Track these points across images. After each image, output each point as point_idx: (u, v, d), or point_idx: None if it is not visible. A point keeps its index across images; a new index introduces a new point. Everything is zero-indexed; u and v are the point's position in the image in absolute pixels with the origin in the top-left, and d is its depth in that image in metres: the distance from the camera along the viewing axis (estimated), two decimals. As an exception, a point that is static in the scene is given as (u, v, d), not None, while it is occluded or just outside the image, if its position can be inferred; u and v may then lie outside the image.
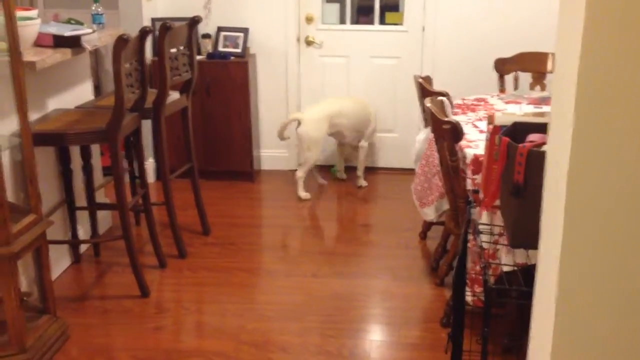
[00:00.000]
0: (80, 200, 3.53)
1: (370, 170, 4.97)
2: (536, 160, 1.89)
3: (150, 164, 4.73)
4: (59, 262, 3.38)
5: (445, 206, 3.10)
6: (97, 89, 5.19)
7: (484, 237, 2.32)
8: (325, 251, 3.74)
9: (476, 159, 2.66)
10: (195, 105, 4.51)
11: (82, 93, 3.64)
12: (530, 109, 3.35)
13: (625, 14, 1.13)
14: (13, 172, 2.82)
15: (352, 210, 4.33)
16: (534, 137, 2.07)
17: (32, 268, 2.82)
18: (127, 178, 3.72)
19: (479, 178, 2.59)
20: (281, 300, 3.18)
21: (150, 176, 4.70)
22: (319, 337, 2.85)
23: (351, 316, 3.02)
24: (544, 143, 1.96)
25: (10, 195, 2.60)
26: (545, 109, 3.22)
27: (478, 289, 2.58)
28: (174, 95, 3.57)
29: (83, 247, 3.63)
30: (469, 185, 2.70)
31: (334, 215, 4.29)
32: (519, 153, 1.97)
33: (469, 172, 2.71)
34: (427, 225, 3.80)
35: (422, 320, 3.00)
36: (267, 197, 4.58)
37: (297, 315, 3.03)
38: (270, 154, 5.06)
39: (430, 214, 3.21)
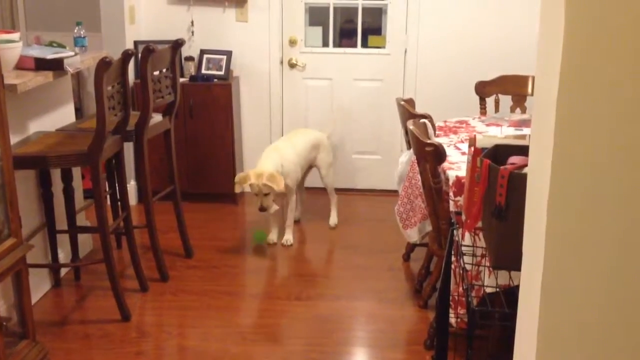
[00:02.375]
0: (61, 223, 3.49)
1: (353, 192, 4.97)
2: (517, 183, 1.91)
3: (132, 186, 4.70)
4: (39, 286, 3.33)
5: (429, 228, 3.11)
6: (79, 112, 5.17)
7: (467, 259, 2.32)
8: (309, 273, 3.72)
9: (458, 181, 2.67)
10: (178, 127, 4.50)
11: (63, 115, 3.62)
12: (511, 131, 3.39)
13: (603, 38, 1.15)
14: (-7, 195, 2.78)
15: (336, 232, 4.32)
16: (515, 159, 2.09)
17: (12, 292, 2.77)
18: (108, 201, 3.69)
19: (461, 200, 2.60)
20: (265, 323, 3.16)
21: (133, 199, 4.67)
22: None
23: (335, 339, 3.00)
24: (525, 165, 1.98)
25: (-11, 219, 2.56)
26: (526, 131, 3.26)
27: (461, 311, 2.58)
28: (156, 118, 3.57)
29: (63, 271, 3.58)
30: (452, 207, 2.71)
31: (317, 237, 4.28)
32: (500, 175, 1.98)
33: (451, 194, 2.72)
34: (411, 247, 3.80)
35: (406, 343, 2.99)
36: (250, 220, 4.56)
37: (280, 338, 3.01)
38: (254, 176, 5.05)
39: (413, 235, 3.22)
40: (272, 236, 4.09)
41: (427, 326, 3.01)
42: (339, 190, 4.66)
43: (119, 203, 3.61)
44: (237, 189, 3.91)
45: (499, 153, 2.15)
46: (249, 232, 4.31)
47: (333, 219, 4.38)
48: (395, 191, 3.83)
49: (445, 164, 2.78)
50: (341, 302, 3.34)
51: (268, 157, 3.90)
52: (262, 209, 3.81)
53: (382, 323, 3.14)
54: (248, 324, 3.17)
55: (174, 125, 3.76)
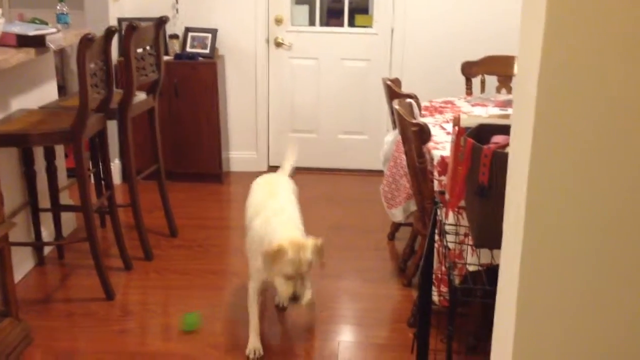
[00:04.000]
0: (44, 201, 3.47)
1: (339, 172, 4.98)
2: (500, 162, 1.91)
3: (116, 165, 4.67)
4: (22, 264, 3.31)
5: (413, 207, 3.12)
6: (62, 90, 5.11)
7: (450, 238, 2.33)
8: (294, 253, 3.72)
9: (443, 161, 2.68)
10: (163, 106, 4.47)
11: (46, 93, 3.58)
12: (496, 111, 3.39)
13: (585, 18, 1.15)
14: (-26, 173, 2.76)
15: (321, 212, 4.33)
16: (498, 138, 2.09)
17: (-6, 271, 2.76)
18: (92, 179, 3.67)
19: (445, 179, 2.61)
20: (249, 302, 3.16)
21: (117, 177, 4.64)
22: (288, 340, 2.84)
23: (321, 317, 3.02)
24: (508, 144, 1.98)
25: (-30, 197, 2.54)
26: (510, 111, 3.26)
27: (444, 289, 2.60)
28: (140, 96, 3.53)
29: (47, 250, 3.57)
30: (436, 187, 2.72)
31: (304, 217, 4.27)
32: (483, 154, 1.99)
33: (436, 174, 2.73)
34: (396, 227, 3.82)
35: (390, 321, 3.01)
36: (235, 199, 4.55)
37: (264, 317, 3.02)
38: (240, 155, 5.04)
39: (398, 215, 3.23)
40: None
41: (411, 304, 3.04)
42: (325, 171, 4.65)
43: (103, 182, 3.59)
44: (269, 268, 2.46)
45: (483, 132, 2.16)
46: (233, 212, 4.31)
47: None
48: (381, 171, 3.83)
49: (430, 144, 2.79)
50: (326, 281, 3.35)
51: (284, 222, 2.64)
52: (295, 297, 2.42)
53: (366, 302, 3.16)
54: (233, 302, 3.18)
55: (158, 104, 3.74)
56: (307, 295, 2.45)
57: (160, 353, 2.73)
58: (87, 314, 3.02)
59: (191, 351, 2.73)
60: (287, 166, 3.21)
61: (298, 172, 4.94)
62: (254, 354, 2.64)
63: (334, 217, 4.23)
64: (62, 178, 3.68)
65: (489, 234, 1.99)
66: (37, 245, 3.44)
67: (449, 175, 2.34)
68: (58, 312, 3.04)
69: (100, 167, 3.60)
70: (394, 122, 3.61)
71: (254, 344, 2.67)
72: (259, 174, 4.95)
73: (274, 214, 2.66)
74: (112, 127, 3.71)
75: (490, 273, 2.20)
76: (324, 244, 2.51)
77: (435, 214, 2.34)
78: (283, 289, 2.43)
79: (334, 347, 2.79)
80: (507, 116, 2.69)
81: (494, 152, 1.97)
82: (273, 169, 5.11)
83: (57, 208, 3.51)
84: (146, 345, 2.80)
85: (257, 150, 5.03)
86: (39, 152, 3.40)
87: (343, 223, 4.13)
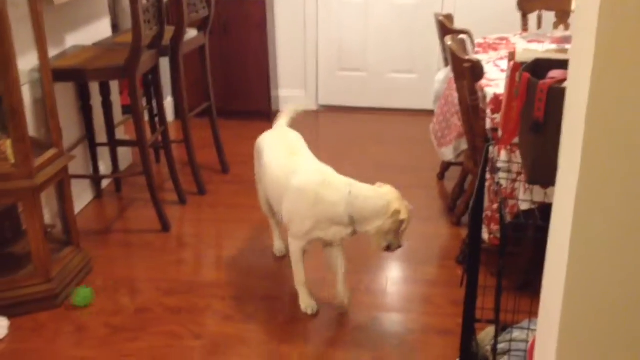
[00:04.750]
0: (101, 137, 3.56)
1: (388, 112, 4.94)
2: (556, 97, 1.87)
3: (168, 102, 4.74)
4: (82, 196, 3.44)
5: (464, 146, 3.09)
6: (115, 28, 5.16)
7: (502, 175, 2.32)
8: (343, 190, 3.75)
9: (496, 98, 2.63)
10: (213, 44, 4.48)
11: (99, 30, 3.63)
12: (553, 47, 3.29)
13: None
14: (34, 108, 2.85)
15: (369, 151, 4.33)
16: (555, 73, 2.04)
17: (56, 202, 2.88)
18: (146, 117, 3.74)
19: (498, 117, 2.57)
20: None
21: (169, 115, 4.72)
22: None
23: (368, 254, 3.06)
24: (565, 79, 1.94)
25: (31, 131, 2.63)
26: (568, 47, 3.16)
27: (494, 227, 2.60)
28: (191, 33, 3.55)
29: (105, 183, 3.69)
30: (488, 125, 2.69)
31: (351, 156, 4.29)
32: (539, 89, 1.95)
33: (488, 111, 2.69)
34: (445, 166, 3.80)
35: (439, 258, 3.04)
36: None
37: (313, 252, 3.07)
38: (288, 94, 5.04)
39: (448, 154, 3.21)
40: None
41: (460, 242, 3.05)
42: (373, 110, 4.62)
43: (157, 118, 3.66)
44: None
45: (539, 67, 2.10)
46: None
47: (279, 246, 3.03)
48: (431, 110, 3.80)
49: (483, 81, 2.74)
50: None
51: (342, 180, 2.49)
52: (399, 246, 2.45)
53: (415, 239, 3.18)
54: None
55: (208, 42, 3.75)
56: (400, 243, 2.45)
57: (213, 282, 2.83)
58: (144, 244, 3.13)
59: (241, 281, 2.82)
60: (285, 120, 3.02)
61: (346, 111, 4.93)
62: (311, 310, 2.62)
63: (382, 157, 4.23)
64: (118, 115, 3.76)
65: (543, 170, 1.97)
66: (95, 178, 3.55)
67: (503, 111, 2.30)
68: (116, 242, 3.17)
69: (154, 104, 3.67)
70: (445, 59, 3.54)
71: (306, 301, 2.63)
72: (307, 113, 4.97)
73: (321, 174, 2.50)
74: (164, 65, 3.74)
75: (543, 212, 2.19)
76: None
77: (487, 151, 2.32)
78: (381, 242, 2.41)
79: (382, 283, 2.84)
80: (564, 51, 2.62)
81: (550, 87, 1.93)
82: (322, 108, 5.11)
83: (113, 143, 3.61)
84: (200, 275, 2.91)
85: (305, 88, 5.03)
86: (94, 89, 3.47)
87: (391, 162, 4.13)
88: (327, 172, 2.53)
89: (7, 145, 2.45)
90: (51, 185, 2.66)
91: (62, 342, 2.43)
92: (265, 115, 4.77)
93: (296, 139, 2.81)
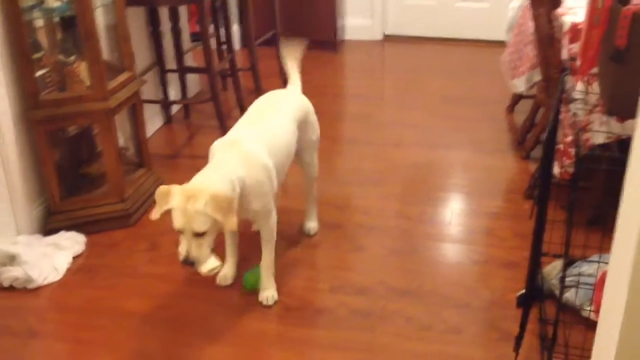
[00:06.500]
0: (171, 64, 3.61)
1: (456, 42, 4.81)
2: (642, 24, 1.78)
3: (235, 30, 4.74)
4: (152, 121, 3.52)
5: (537, 77, 3.00)
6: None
7: (578, 106, 2.24)
8: (408, 122, 3.72)
9: (574, 27, 2.52)
10: (280, -30, 4.42)
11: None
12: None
13: None
14: (106, 32, 2.89)
15: (436, 83, 4.24)
16: (641, -1, 1.94)
17: (128, 125, 2.96)
18: (213, 44, 3.76)
19: (575, 47, 2.46)
20: (363, 167, 3.23)
21: (236, 43, 4.72)
22: (399, 203, 2.90)
23: (432, 185, 3.05)
24: (653, 5, 1.84)
25: (105, 55, 2.68)
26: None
27: (567, 162, 2.53)
28: (260, -42, 3.51)
29: (174, 109, 3.76)
30: (565, 55, 2.58)
31: (418, 88, 4.22)
32: (622, 16, 1.85)
33: (565, 41, 2.58)
34: (516, 99, 3.69)
35: (505, 191, 3.00)
36: (350, 68, 4.54)
37: (378, 181, 3.09)
38: (355, 23, 4.96)
39: (520, 85, 3.12)
40: (227, 270, 2.38)
41: (528, 177, 2.99)
42: (442, 40, 4.50)
43: (224, 46, 3.67)
44: (155, 214, 1.96)
45: (624, -7, 2.00)
46: (348, 80, 4.31)
47: (311, 225, 2.71)
48: (501, 42, 3.67)
49: (560, 9, 2.62)
50: (440, 151, 3.35)
51: (220, 162, 2.10)
52: (188, 261, 1.90)
53: (481, 172, 3.14)
54: (347, 167, 3.26)
55: (276, -33, 3.70)
56: (211, 262, 1.93)
57: (282, 208, 2.84)
58: (211, 170, 3.20)
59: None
60: (296, 75, 2.70)
61: (414, 41, 4.81)
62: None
63: (449, 88, 4.15)
64: (186, 42, 3.79)
65: (623, 101, 1.89)
66: (165, 103, 3.62)
67: (582, 39, 2.21)
68: (185, 167, 3.25)
69: (221, 31, 3.67)
70: (521, -14, 3.40)
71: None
72: (373, 43, 4.90)
73: (222, 145, 2.17)
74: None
75: (620, 146, 2.12)
76: (225, 197, 1.92)
77: (563, 82, 2.24)
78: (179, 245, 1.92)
79: (446, 214, 2.83)
80: (653, -23, 2.46)
81: (634, 13, 1.83)
82: (388, 38, 5.02)
83: (182, 69, 3.65)
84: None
85: (372, 17, 4.93)
86: (164, 15, 3.50)
87: (458, 94, 4.04)
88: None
89: (82, 68, 2.52)
90: (124, 108, 2.73)
91: (136, 259, 2.54)
92: (331, 45, 4.72)
93: (283, 104, 2.43)
